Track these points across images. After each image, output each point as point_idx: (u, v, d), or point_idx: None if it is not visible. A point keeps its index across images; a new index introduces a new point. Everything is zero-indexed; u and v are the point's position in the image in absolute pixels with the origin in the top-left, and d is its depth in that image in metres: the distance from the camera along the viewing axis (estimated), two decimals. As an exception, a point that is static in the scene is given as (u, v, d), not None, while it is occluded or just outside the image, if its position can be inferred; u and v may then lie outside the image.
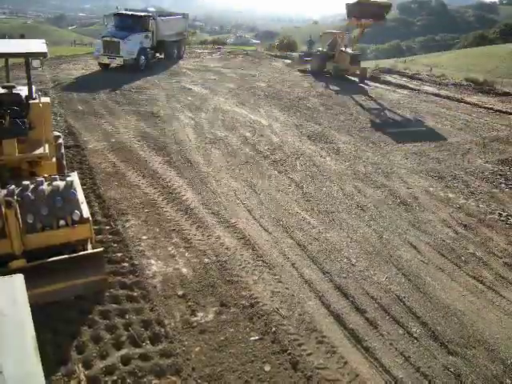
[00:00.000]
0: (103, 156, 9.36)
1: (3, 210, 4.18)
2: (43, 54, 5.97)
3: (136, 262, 5.82)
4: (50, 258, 4.38)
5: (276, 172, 9.20)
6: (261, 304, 5.23)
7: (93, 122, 11.63)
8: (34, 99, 6.23)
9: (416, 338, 4.89)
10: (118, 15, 20.50)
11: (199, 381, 4.19)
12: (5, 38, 8.45)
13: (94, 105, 13.37)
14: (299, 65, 23.63)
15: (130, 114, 12.63)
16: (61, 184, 4.83)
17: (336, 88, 18.48)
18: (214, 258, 6.11)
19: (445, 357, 4.67)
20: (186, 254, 6.14)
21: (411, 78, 22.40)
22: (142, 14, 20.52)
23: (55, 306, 4.90)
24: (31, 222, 4.47)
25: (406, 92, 18.88)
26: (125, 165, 8.96)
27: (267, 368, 4.37)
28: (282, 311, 5.15)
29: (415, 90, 19.26)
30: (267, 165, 9.56)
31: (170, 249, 6.25)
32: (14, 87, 6.18)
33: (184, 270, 5.78)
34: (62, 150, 7.18)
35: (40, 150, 5.70)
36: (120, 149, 9.84)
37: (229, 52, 28.63)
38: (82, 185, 5.80)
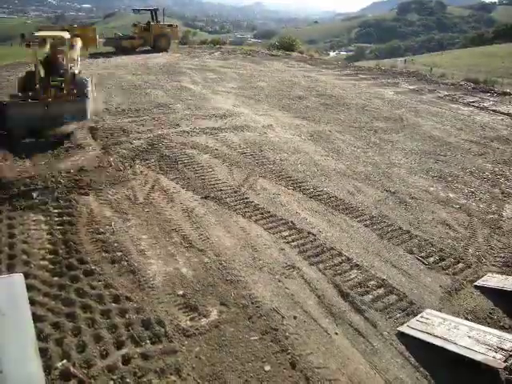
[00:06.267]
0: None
1: None
2: None
3: (135, 262, 5.83)
4: None
5: (276, 173, 9.19)
6: (261, 303, 5.23)
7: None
8: None
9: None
10: None
11: (199, 380, 4.18)
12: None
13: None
14: None
15: (128, 115, 12.62)
16: None
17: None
18: (214, 257, 6.11)
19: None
20: (186, 254, 6.14)
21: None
22: None
23: (56, 304, 4.91)
24: None
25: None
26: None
27: (267, 368, 4.37)
28: (282, 310, 5.15)
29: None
30: (267, 163, 9.54)
31: (169, 248, 6.25)
32: None
33: (184, 270, 5.78)
34: None
35: None
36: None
37: (229, 51, 28.61)
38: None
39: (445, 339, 4.61)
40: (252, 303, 5.23)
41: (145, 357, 4.35)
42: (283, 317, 5.05)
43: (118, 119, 11.90)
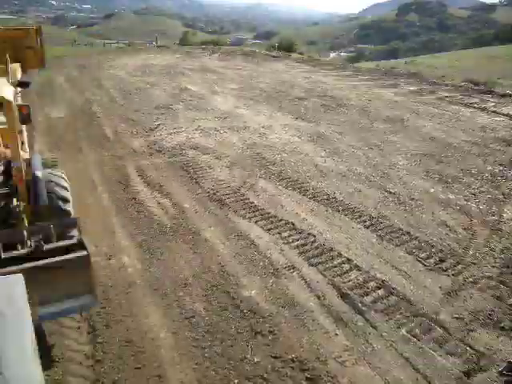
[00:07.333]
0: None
1: None
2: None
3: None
4: None
5: (276, 174, 9.18)
6: (261, 305, 5.22)
7: (95, 129, 11.66)
8: None
9: (417, 340, 4.89)
10: None
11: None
12: None
13: (92, 104, 13.38)
14: None
15: (128, 115, 12.64)
16: None
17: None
18: (214, 259, 6.11)
19: None
20: (189, 257, 6.15)
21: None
22: None
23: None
24: None
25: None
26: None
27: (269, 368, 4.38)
28: (282, 312, 5.14)
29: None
30: (267, 164, 9.54)
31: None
32: None
33: (186, 273, 5.78)
34: None
35: None
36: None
37: (228, 52, 28.63)
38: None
39: None
40: (252, 305, 5.23)
41: (144, 358, 4.34)
42: (283, 318, 5.05)
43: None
